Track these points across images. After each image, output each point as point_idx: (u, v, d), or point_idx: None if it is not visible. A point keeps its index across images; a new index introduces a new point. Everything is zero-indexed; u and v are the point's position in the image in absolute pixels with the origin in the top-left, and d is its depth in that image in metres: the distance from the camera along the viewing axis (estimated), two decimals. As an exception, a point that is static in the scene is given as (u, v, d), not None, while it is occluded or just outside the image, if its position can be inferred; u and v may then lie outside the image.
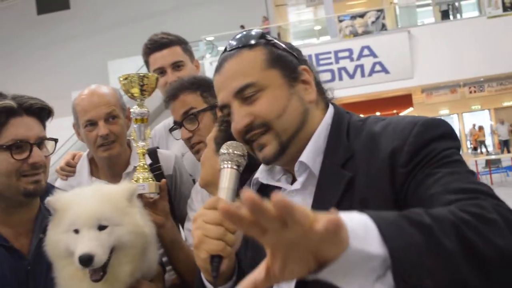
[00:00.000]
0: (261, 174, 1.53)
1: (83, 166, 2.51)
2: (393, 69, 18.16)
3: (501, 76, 20.24)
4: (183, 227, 2.51)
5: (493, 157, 17.04)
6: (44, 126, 1.97)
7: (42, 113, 1.95)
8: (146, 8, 24.85)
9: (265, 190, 1.51)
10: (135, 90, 2.16)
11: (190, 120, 2.37)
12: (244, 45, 1.44)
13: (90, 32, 25.76)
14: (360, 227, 0.86)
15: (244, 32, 1.47)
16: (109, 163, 2.44)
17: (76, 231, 1.70)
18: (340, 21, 19.41)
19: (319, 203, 1.33)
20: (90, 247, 1.63)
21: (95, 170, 2.51)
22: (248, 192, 0.75)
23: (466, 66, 17.87)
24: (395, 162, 1.26)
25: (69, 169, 2.54)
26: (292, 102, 1.41)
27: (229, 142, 1.48)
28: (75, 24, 26.05)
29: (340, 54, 18.48)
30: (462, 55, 17.63)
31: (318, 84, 1.50)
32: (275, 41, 1.46)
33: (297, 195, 1.41)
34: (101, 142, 2.33)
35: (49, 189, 2.07)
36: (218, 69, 1.47)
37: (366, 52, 18.33)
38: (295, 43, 21.50)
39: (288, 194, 1.44)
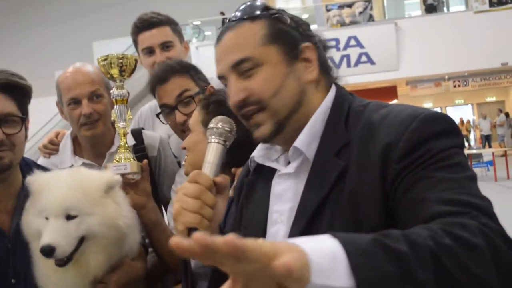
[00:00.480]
0: (257, 153, 1.49)
1: (66, 145, 2.49)
2: (379, 61, 18.20)
3: (485, 71, 20.40)
4: (166, 210, 2.50)
5: (474, 151, 17.21)
6: (17, 103, 1.94)
7: (11, 89, 1.91)
8: (133, -10, 24.60)
9: (261, 169, 1.48)
10: (114, 71, 2.16)
11: (185, 103, 2.33)
12: (246, 17, 1.38)
13: (75, 12, 25.43)
14: (327, 259, 0.82)
15: (249, 3, 1.41)
16: (92, 143, 2.41)
17: (47, 218, 1.69)
18: (328, 10, 19.37)
19: (310, 191, 1.31)
20: (53, 238, 1.63)
21: (78, 149, 2.48)
22: (196, 235, 0.71)
23: (451, 60, 17.97)
24: (388, 156, 1.20)
25: (52, 147, 2.51)
26: (288, 81, 1.35)
27: (218, 117, 1.44)
28: (60, 3, 25.70)
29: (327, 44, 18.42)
30: (447, 49, 17.71)
31: (324, 63, 1.42)
32: (280, 14, 1.39)
33: (290, 179, 1.39)
34: (85, 121, 2.30)
35: (31, 166, 2.05)
36: (218, 39, 1.42)
37: (352, 42, 18.33)
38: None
39: (281, 176, 1.42)
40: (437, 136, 1.18)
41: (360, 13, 19.03)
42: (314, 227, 1.25)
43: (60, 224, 1.66)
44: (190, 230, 1.26)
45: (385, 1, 21.28)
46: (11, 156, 1.89)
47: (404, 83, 21.14)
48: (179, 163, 2.58)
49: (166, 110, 2.38)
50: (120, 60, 2.13)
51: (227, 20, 1.44)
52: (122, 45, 21.47)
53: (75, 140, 2.50)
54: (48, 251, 1.61)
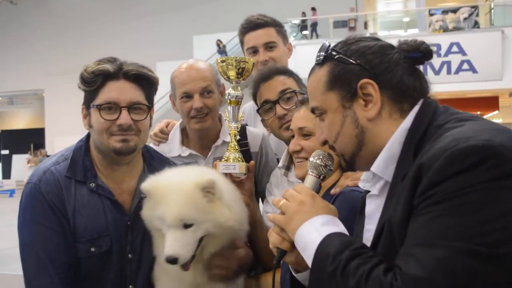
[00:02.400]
0: (362, 176, 1.56)
1: (175, 135, 2.64)
2: (482, 69, 17.44)
3: None
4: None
5: None
6: (145, 92, 2.07)
7: (140, 79, 2.05)
8: (234, -13, 25.04)
9: None
10: (232, 73, 2.27)
11: (287, 98, 2.41)
12: (317, 62, 1.49)
13: (177, 5, 26.28)
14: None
15: (321, 45, 1.49)
16: (200, 135, 2.55)
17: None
18: (431, 14, 18.80)
19: (383, 213, 1.37)
20: (174, 250, 1.79)
21: (185, 140, 2.64)
22: None
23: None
24: (414, 191, 1.20)
25: (161, 136, 2.69)
26: (345, 126, 1.43)
27: (318, 152, 1.61)
28: (164, -3, 26.64)
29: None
30: (558, 61, 16.70)
31: (399, 87, 1.39)
32: (341, 55, 1.43)
33: (378, 199, 1.45)
34: (195, 114, 2.45)
35: (151, 152, 2.25)
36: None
37: (455, 48, 17.68)
38: (382, 33, 21.25)
39: (370, 197, 1.49)
40: (461, 173, 1.12)
41: (465, 19, 18.31)
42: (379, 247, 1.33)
43: (179, 234, 1.82)
44: (278, 248, 1.50)
45: (493, 8, 20.35)
46: (136, 140, 2.03)
47: (507, 94, 20.12)
48: (278, 160, 2.65)
49: (267, 106, 2.46)
50: (239, 63, 2.23)
51: None
52: (221, 40, 22.20)
53: (183, 131, 2.66)
54: (172, 261, 1.79)
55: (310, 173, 1.58)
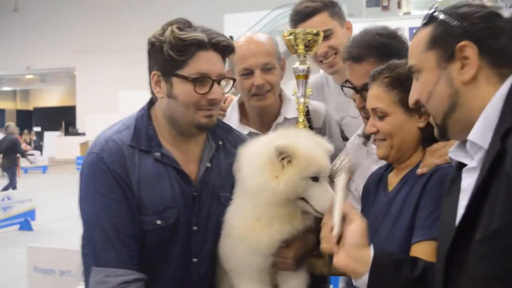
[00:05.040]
0: (452, 148, 1.50)
1: (233, 112, 2.54)
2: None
3: None
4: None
5: None
6: (224, 63, 2.00)
7: (227, 50, 1.96)
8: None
9: (462, 165, 1.47)
10: (300, 47, 2.14)
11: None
12: (423, 22, 1.48)
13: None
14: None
15: (432, 5, 1.48)
16: (261, 113, 2.46)
17: (315, 179, 1.82)
18: (468, -7, 18.34)
19: (478, 179, 1.30)
20: (332, 195, 1.78)
21: (244, 117, 2.53)
22: None
23: None
24: None
25: (219, 112, 2.58)
26: (438, 86, 1.41)
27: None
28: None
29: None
30: None
31: (498, 53, 1.36)
32: (447, 15, 1.41)
33: (475, 173, 1.35)
34: (256, 91, 2.35)
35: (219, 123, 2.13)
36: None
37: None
38: (416, 12, 20.76)
39: (467, 171, 1.41)
40: None
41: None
42: (476, 212, 1.27)
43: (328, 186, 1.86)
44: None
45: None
46: (216, 114, 1.98)
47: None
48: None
49: (350, 86, 2.26)
50: (307, 36, 2.12)
51: None
52: (252, 18, 22.01)
53: (241, 107, 2.54)
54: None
55: (338, 178, 1.65)
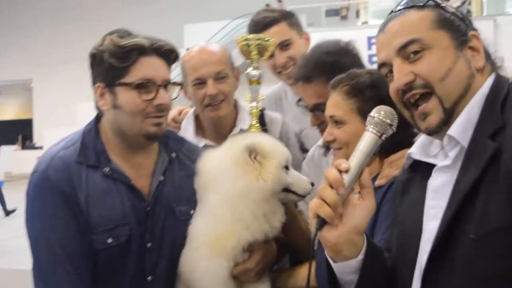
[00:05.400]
0: (415, 149, 1.46)
1: (188, 124, 2.50)
2: (475, 58, 17.47)
3: None
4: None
5: None
6: (169, 69, 1.94)
7: (170, 55, 1.91)
8: (226, -26, 24.82)
9: (418, 166, 1.45)
10: (253, 53, 2.14)
11: (321, 112, 2.18)
12: (412, 5, 1.40)
13: (168, -7, 26.06)
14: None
15: None
16: (216, 124, 2.41)
17: (287, 168, 1.90)
18: (424, 3, 18.75)
19: (463, 176, 1.27)
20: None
21: (200, 129, 2.48)
22: None
23: (553, 61, 16.96)
24: None
25: (174, 125, 2.53)
26: (458, 65, 1.34)
27: (381, 107, 1.38)
28: (154, -15, 26.39)
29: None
30: (550, 50, 16.72)
31: (486, 52, 1.41)
32: (445, 4, 1.40)
33: (448, 172, 1.33)
34: (209, 101, 2.30)
35: (168, 133, 2.07)
36: (382, 28, 1.44)
37: (448, 37, 17.69)
38: (373, 22, 21.11)
39: (438, 170, 1.37)
40: None
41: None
42: (467, 210, 1.22)
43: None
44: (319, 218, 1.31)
45: (485, -5, 20.32)
46: (165, 122, 1.92)
47: (499, 83, 20.19)
48: (305, 151, 2.52)
49: (304, 105, 2.29)
50: (260, 41, 2.12)
51: (390, 12, 1.44)
52: (212, 29, 22.03)
53: (196, 119, 2.49)
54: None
55: (371, 129, 1.35)
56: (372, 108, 1.40)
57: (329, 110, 1.90)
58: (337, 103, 1.87)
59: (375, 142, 1.35)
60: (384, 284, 1.41)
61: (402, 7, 1.42)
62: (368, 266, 1.33)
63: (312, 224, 1.33)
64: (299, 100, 2.29)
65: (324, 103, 2.16)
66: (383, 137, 1.36)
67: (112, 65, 1.80)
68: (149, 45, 1.83)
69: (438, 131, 1.36)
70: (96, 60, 1.85)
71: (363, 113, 1.71)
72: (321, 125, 2.18)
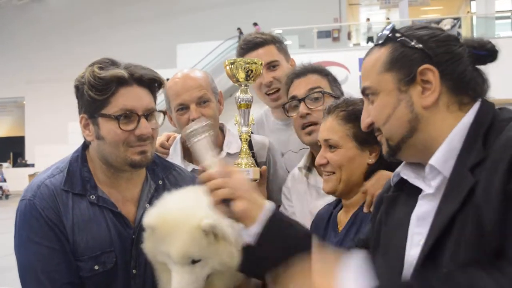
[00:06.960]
0: (404, 168, 1.48)
1: (176, 149, 2.52)
2: (464, 81, 17.59)
3: None
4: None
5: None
6: (154, 97, 1.94)
7: (153, 84, 1.91)
8: (218, -4, 25.05)
9: (404, 185, 1.47)
10: (241, 76, 2.13)
11: (314, 98, 2.30)
12: (377, 43, 1.44)
13: (162, 14, 26.23)
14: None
15: (388, 26, 1.45)
16: None
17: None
18: (414, 26, 18.98)
19: (443, 208, 1.29)
20: (183, 286, 1.64)
21: (187, 154, 2.50)
22: None
23: (542, 84, 17.11)
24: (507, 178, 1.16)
25: (162, 151, 2.55)
26: (398, 110, 1.37)
27: (189, 125, 1.58)
28: (148, 4, 26.56)
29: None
30: (539, 73, 16.88)
31: (460, 80, 1.36)
32: (404, 37, 1.38)
33: (434, 200, 1.35)
34: None
35: (154, 158, 2.04)
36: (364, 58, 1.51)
37: (438, 60, 17.86)
38: (364, 44, 21.29)
39: (424, 197, 1.39)
40: None
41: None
42: (445, 242, 1.24)
43: (187, 270, 1.66)
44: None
45: (475, 19, 20.60)
46: (151, 150, 1.91)
47: (489, 105, 20.34)
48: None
49: (294, 103, 2.35)
50: (248, 65, 2.11)
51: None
52: (205, 49, 22.18)
53: (183, 145, 2.51)
54: None
55: (196, 140, 1.55)
56: (366, 134, 1.51)
57: (324, 134, 1.94)
58: (332, 128, 1.91)
59: (206, 142, 1.56)
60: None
61: (374, 43, 1.48)
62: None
63: (222, 212, 1.52)
64: (291, 98, 2.36)
65: (318, 87, 2.29)
66: (208, 134, 1.56)
67: (92, 97, 1.81)
68: (129, 75, 1.83)
69: (390, 158, 1.45)
70: (79, 91, 1.86)
71: (358, 139, 1.82)
72: (308, 117, 2.27)
